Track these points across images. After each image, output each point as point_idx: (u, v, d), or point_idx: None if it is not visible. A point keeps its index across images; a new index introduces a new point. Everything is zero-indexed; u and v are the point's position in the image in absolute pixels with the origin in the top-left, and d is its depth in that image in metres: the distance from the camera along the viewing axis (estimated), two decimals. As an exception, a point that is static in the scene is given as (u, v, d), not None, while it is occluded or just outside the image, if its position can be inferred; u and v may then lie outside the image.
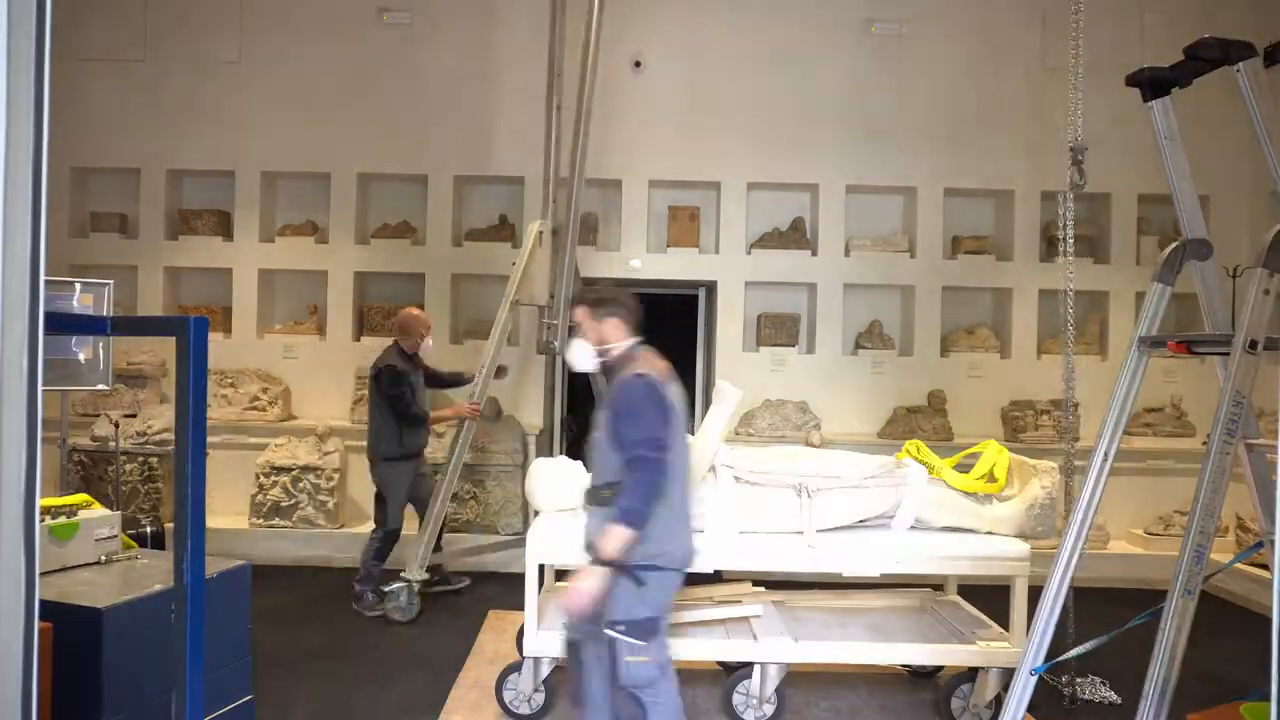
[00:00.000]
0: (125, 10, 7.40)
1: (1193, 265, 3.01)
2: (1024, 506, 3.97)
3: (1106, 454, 2.95)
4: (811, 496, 3.80)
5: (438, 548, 5.66)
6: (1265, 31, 5.03)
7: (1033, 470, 4.05)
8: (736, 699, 3.87)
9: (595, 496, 2.92)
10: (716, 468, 3.85)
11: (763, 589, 4.46)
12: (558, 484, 4.18)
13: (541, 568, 3.93)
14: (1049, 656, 3.01)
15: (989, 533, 4.00)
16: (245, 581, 3.34)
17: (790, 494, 3.84)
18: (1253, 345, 2.56)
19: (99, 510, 3.35)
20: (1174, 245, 3.01)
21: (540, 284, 6.03)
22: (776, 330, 7.48)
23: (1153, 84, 2.90)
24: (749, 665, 3.86)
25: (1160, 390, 7.22)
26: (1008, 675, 3.49)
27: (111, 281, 6.04)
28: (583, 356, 3.08)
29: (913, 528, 3.99)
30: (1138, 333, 2.99)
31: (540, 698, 3.90)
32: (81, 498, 3.38)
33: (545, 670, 3.89)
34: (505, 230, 7.53)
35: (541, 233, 6.07)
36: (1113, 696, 4.20)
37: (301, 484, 6.61)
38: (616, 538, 2.72)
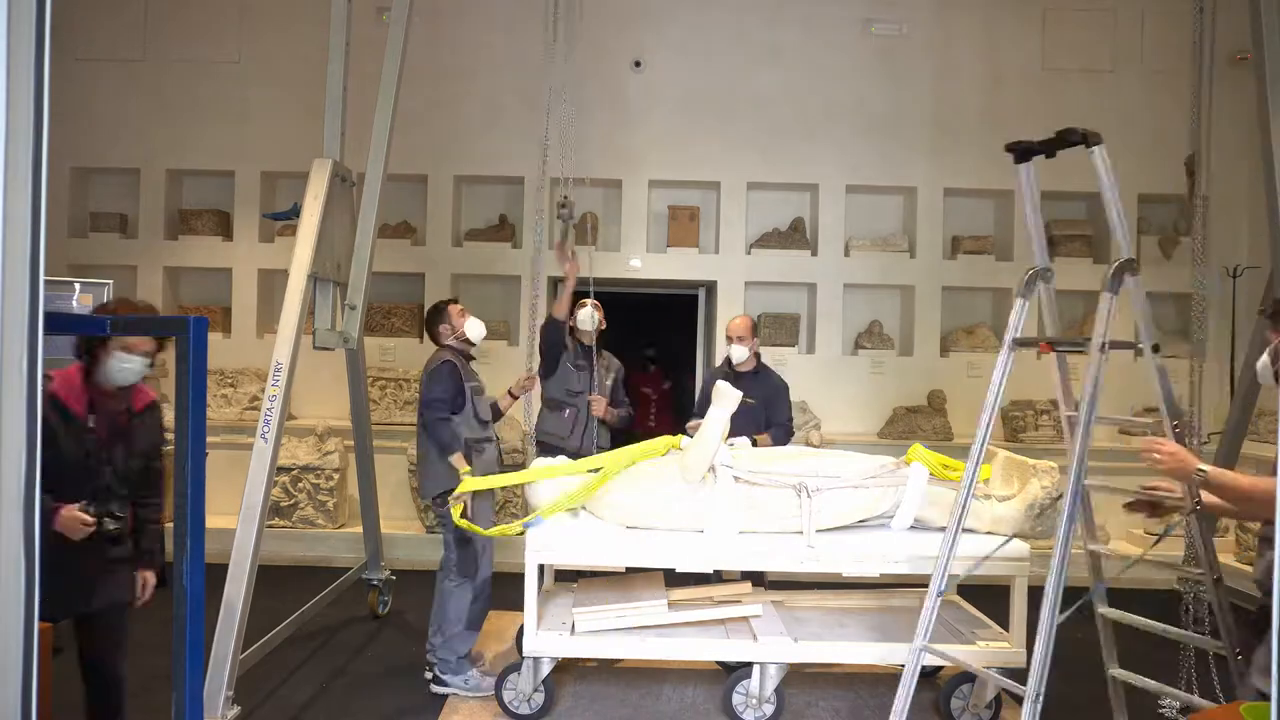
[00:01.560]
0: (125, 10, 7.40)
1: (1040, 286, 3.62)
2: (1024, 506, 3.96)
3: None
4: (811, 496, 3.80)
5: None
6: (1255, 32, 5.03)
7: (1032, 470, 4.05)
8: (736, 699, 3.87)
9: None
10: (716, 468, 3.85)
11: (762, 589, 4.46)
12: (557, 484, 4.18)
13: (541, 568, 3.93)
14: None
15: (989, 533, 3.99)
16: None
17: (790, 494, 3.84)
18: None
19: None
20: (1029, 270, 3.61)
21: (342, 250, 4.65)
22: (776, 330, 7.48)
23: (1022, 153, 3.74)
24: (749, 665, 3.86)
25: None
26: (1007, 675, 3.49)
27: (111, 281, 6.05)
28: None
29: (912, 527, 3.99)
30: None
31: (540, 698, 3.90)
32: None
33: (545, 670, 3.88)
34: (505, 230, 7.53)
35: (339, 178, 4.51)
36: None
37: (301, 484, 6.62)
38: None
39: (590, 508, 4.14)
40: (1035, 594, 3.34)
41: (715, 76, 7.44)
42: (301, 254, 4.17)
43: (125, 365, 3.00)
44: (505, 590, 5.23)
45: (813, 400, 7.28)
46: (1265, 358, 2.92)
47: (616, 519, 3.98)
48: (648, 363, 8.51)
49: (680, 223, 7.50)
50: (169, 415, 2.44)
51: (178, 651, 1.96)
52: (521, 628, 3.92)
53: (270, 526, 6.51)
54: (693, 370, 8.06)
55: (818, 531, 3.84)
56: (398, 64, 4.88)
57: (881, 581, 4.17)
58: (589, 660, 4.49)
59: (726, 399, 3.84)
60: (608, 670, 4.46)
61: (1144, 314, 3.27)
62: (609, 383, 4.93)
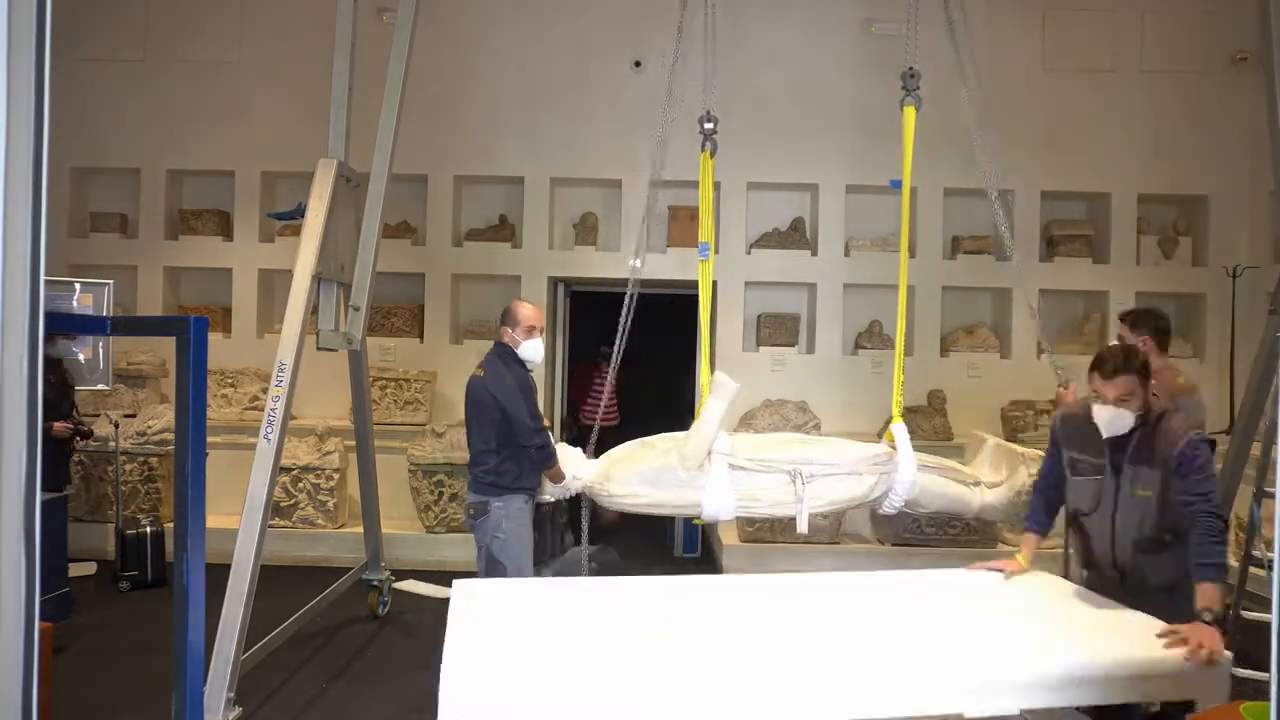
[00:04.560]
0: (125, 10, 7.40)
1: None
2: (1011, 493, 3.98)
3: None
4: (805, 483, 3.83)
5: None
6: (1265, 32, 5.03)
7: (1021, 458, 4.05)
8: None
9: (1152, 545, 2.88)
10: (712, 455, 3.86)
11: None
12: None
13: None
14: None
15: (976, 519, 4.04)
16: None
17: (785, 481, 3.87)
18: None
19: None
20: None
21: (346, 251, 4.65)
22: (776, 330, 7.47)
23: None
24: None
25: (1160, 390, 7.21)
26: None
27: (111, 281, 6.06)
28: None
29: (903, 511, 4.03)
30: None
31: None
32: None
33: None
34: (505, 230, 7.54)
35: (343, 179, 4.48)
36: None
37: (301, 484, 6.61)
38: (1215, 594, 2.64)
39: (592, 494, 4.13)
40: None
41: (715, 76, 7.43)
42: (306, 254, 4.17)
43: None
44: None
45: (813, 400, 7.27)
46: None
47: (617, 505, 4.01)
48: (602, 360, 8.11)
49: (680, 223, 7.50)
50: (169, 415, 2.44)
51: (178, 651, 1.96)
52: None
53: (270, 526, 6.50)
54: (691, 371, 8.04)
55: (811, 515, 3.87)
56: (404, 64, 4.88)
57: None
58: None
59: (723, 390, 3.85)
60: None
61: None
62: None
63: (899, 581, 3.37)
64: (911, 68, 4.38)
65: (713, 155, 4.75)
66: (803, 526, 3.83)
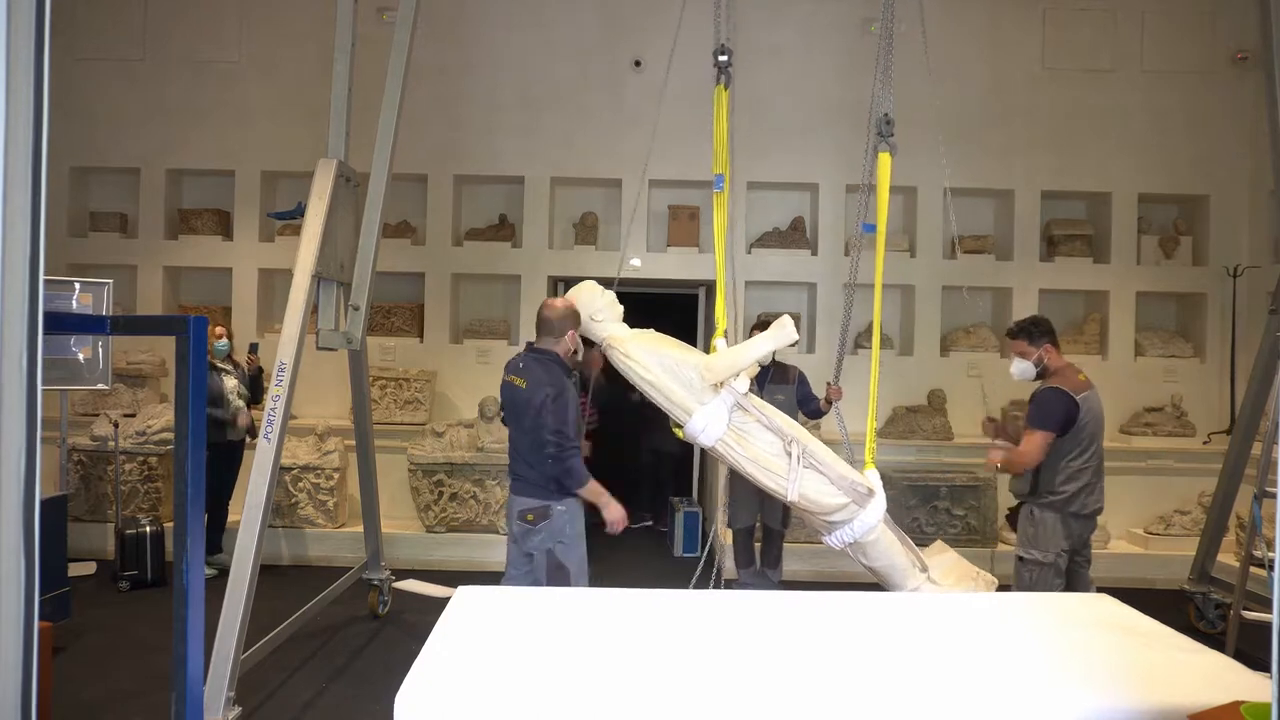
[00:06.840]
0: (125, 10, 7.40)
1: None
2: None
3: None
4: (798, 461, 3.83)
5: None
6: (1265, 32, 5.03)
7: (973, 577, 4.03)
8: None
9: None
10: (727, 385, 3.85)
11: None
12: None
13: None
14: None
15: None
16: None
17: (778, 446, 3.88)
18: None
19: None
20: None
21: (346, 251, 4.67)
22: (776, 330, 7.47)
23: None
24: None
25: (1161, 390, 7.23)
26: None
27: (111, 281, 6.05)
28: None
29: (844, 550, 3.99)
30: None
31: None
32: None
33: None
34: (505, 230, 7.54)
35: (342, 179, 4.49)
36: None
37: (301, 484, 6.61)
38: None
39: (609, 345, 4.05)
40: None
41: (715, 76, 7.43)
42: (305, 254, 4.17)
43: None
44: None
45: (813, 400, 7.28)
46: (1027, 364, 4.16)
47: (624, 366, 3.94)
48: None
49: (680, 222, 7.50)
50: (169, 415, 2.44)
51: (178, 651, 1.96)
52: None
53: (270, 526, 6.51)
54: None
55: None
56: (404, 64, 4.88)
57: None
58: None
59: (782, 333, 3.83)
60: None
61: None
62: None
63: (926, 606, 3.17)
64: (886, 114, 4.34)
65: (727, 87, 4.83)
66: (794, 496, 3.83)
